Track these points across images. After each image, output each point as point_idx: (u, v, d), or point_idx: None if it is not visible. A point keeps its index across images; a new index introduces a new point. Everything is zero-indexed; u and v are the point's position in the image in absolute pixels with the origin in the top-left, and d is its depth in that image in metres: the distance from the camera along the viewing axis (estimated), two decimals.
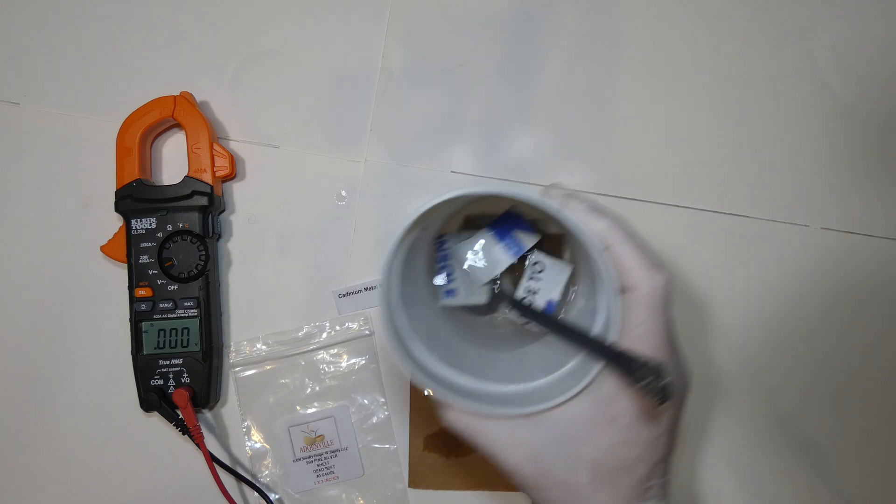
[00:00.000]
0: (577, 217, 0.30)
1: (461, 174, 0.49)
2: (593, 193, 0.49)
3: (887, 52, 0.50)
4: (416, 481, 0.47)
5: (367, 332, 0.48)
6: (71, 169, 0.48)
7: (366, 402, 0.47)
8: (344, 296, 0.48)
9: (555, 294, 0.38)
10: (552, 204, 0.30)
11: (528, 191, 0.30)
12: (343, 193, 0.49)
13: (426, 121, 0.49)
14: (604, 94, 0.49)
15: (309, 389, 0.47)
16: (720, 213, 0.49)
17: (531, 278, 0.38)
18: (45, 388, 0.47)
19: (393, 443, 0.47)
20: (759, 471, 0.48)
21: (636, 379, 0.27)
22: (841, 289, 0.48)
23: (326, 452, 0.47)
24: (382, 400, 0.47)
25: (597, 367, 0.30)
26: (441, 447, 0.47)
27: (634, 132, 0.49)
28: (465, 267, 0.38)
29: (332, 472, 0.47)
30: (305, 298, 0.48)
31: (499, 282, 0.39)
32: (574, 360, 0.33)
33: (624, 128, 0.49)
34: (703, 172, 0.49)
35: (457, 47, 0.49)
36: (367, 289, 0.48)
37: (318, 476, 0.47)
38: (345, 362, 0.48)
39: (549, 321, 0.34)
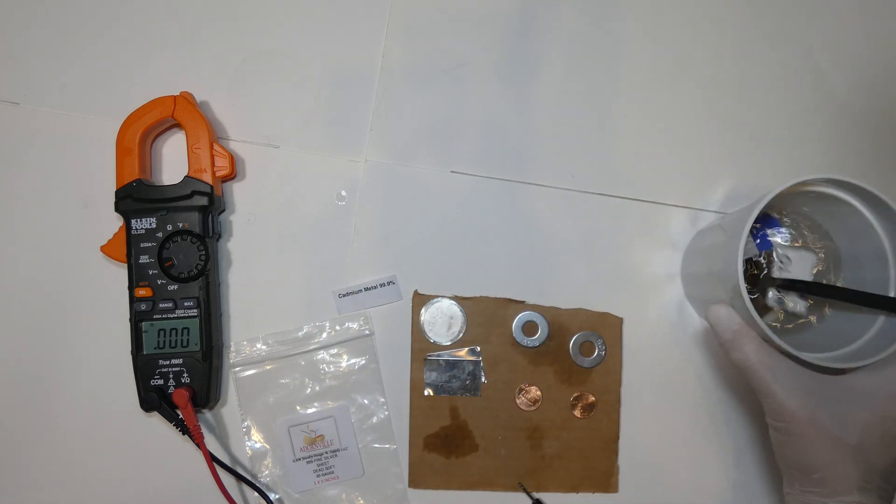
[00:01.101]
0: None
1: (461, 174, 0.49)
2: (592, 193, 0.49)
3: (887, 52, 0.50)
4: (416, 481, 0.47)
5: (367, 332, 0.48)
6: (71, 169, 0.48)
7: (366, 402, 0.47)
8: (344, 296, 0.48)
9: (805, 278, 0.42)
10: None
11: None
12: (343, 193, 0.49)
13: (426, 121, 0.49)
14: (603, 94, 0.50)
15: (309, 389, 0.47)
16: (720, 213, 0.49)
17: (780, 269, 0.43)
18: (45, 388, 0.47)
19: (393, 443, 0.47)
20: (760, 471, 0.48)
21: None
22: None
23: (326, 452, 0.47)
24: (382, 400, 0.47)
25: None
26: (441, 447, 0.47)
27: (634, 132, 0.49)
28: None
29: (332, 472, 0.47)
30: (305, 298, 0.48)
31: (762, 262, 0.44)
32: (857, 342, 0.38)
33: (624, 128, 0.49)
34: (703, 172, 0.49)
35: (457, 47, 0.49)
36: (366, 289, 0.48)
37: (318, 476, 0.47)
38: (345, 362, 0.48)
39: (851, 291, 0.38)
